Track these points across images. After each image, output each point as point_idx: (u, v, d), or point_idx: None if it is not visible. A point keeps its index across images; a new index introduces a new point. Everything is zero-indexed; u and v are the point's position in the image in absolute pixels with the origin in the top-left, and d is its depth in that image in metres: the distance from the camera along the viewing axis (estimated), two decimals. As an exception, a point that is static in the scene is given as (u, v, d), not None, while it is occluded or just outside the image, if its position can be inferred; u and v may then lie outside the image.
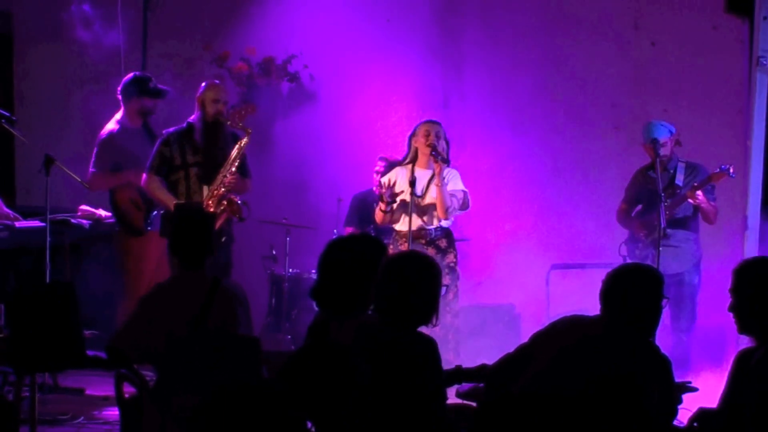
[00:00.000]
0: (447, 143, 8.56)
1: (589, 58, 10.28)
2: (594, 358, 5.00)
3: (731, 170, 8.35)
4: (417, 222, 8.48)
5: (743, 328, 5.16)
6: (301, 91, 10.84)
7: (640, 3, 10.24)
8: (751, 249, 9.35)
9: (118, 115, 9.07)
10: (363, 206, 9.94)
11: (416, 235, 8.45)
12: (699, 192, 8.37)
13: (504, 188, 9.74)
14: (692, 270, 8.67)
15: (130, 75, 9.15)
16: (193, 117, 8.60)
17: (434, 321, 5.15)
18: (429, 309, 5.13)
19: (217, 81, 8.92)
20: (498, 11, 10.46)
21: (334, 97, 10.61)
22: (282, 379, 5.04)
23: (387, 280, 5.10)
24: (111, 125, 9.04)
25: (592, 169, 10.06)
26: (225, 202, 8.34)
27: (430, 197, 8.48)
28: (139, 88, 8.98)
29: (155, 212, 8.86)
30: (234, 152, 8.43)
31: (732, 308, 5.19)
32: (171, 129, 8.62)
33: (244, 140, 8.45)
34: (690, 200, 8.42)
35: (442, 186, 8.36)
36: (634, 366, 4.98)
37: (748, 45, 9.68)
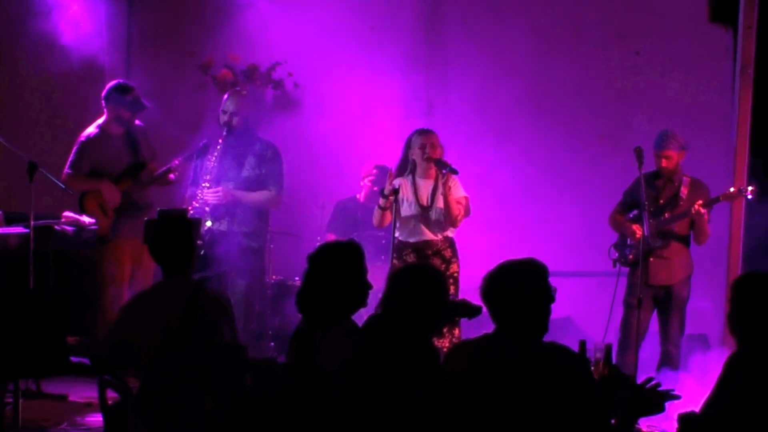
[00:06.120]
0: (442, 148, 8.52)
1: (573, 66, 10.32)
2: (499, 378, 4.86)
3: (749, 192, 8.40)
4: (423, 234, 8.49)
5: (732, 331, 5.39)
6: (285, 98, 10.83)
7: (624, 12, 10.28)
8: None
9: (101, 120, 9.06)
10: (346, 213, 9.93)
11: (422, 246, 8.46)
12: (704, 210, 8.36)
13: (488, 196, 9.73)
14: (681, 284, 8.59)
15: (115, 82, 9.11)
16: None
17: (442, 332, 5.23)
18: (436, 320, 5.16)
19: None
20: (483, 20, 10.49)
21: (318, 104, 10.61)
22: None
23: (395, 291, 5.15)
24: (91, 129, 9.04)
25: (577, 177, 10.08)
26: None
27: (436, 208, 8.47)
28: (118, 98, 8.94)
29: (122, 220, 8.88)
30: None
31: (728, 316, 5.40)
32: None
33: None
34: (695, 217, 8.39)
35: (449, 195, 8.37)
36: (542, 371, 4.79)
37: (732, 54, 9.71)
